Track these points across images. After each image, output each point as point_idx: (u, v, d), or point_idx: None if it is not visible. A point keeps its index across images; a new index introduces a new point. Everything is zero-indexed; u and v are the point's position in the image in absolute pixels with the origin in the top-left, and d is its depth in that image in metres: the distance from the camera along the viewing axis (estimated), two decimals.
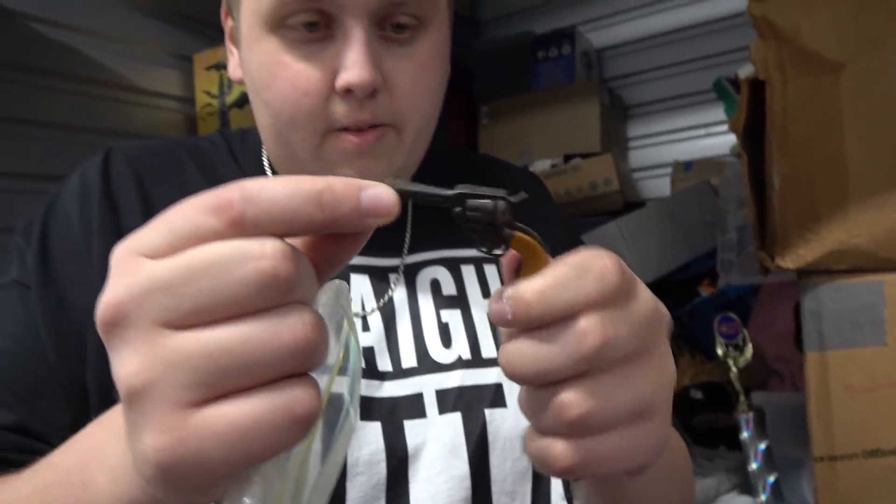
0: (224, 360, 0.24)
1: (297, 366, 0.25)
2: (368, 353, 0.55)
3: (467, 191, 0.31)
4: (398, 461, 0.52)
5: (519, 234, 0.32)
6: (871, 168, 0.66)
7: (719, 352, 1.01)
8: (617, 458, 0.30)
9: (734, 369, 0.99)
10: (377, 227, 0.60)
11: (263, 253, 0.24)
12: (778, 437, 0.93)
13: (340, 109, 0.51)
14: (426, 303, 0.59)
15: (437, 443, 0.53)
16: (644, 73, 1.95)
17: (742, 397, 0.98)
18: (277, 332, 0.24)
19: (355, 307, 0.57)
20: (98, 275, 0.53)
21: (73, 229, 0.55)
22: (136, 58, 1.46)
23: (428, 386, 0.55)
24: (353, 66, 0.49)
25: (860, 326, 0.67)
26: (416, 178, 0.66)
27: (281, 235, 0.26)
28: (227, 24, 0.60)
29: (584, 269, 0.30)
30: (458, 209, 0.31)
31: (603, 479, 0.41)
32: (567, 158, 1.77)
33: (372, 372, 0.54)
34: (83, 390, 0.52)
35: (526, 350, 0.30)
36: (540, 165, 1.82)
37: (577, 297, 0.29)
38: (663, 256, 1.51)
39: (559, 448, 0.29)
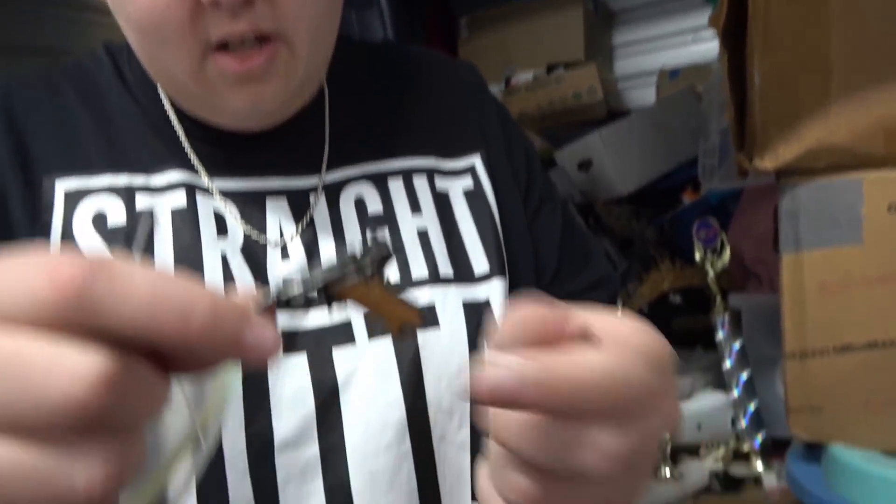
0: None
1: None
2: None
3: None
4: (328, 392, 0.50)
5: (349, 291, 0.28)
6: (857, 62, 0.64)
7: (697, 256, 1.02)
8: None
9: (711, 273, 1.00)
10: (289, 144, 0.54)
11: (77, 374, 0.20)
12: (752, 337, 0.96)
13: (213, 22, 0.43)
14: (350, 224, 0.55)
15: (368, 369, 0.51)
16: None
17: (719, 299, 1.00)
18: (55, 475, 0.20)
19: (273, 235, 0.53)
20: None
21: None
22: None
23: (356, 312, 0.52)
24: None
25: (837, 225, 0.67)
26: (336, 74, 0.59)
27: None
28: None
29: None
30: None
31: None
32: (550, 69, 1.73)
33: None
34: None
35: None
36: (522, 77, 1.77)
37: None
38: (645, 166, 1.50)
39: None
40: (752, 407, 0.94)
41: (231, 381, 0.27)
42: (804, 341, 0.71)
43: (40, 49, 1.30)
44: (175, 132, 0.54)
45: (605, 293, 0.66)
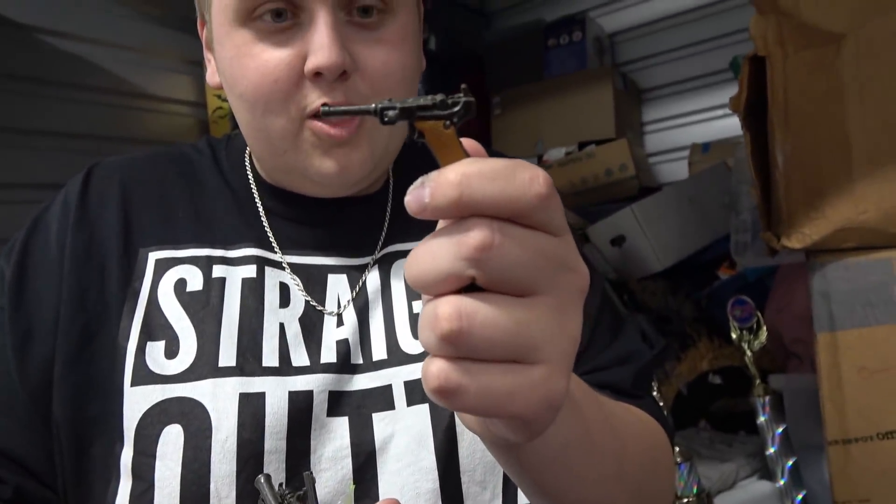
0: None
1: None
2: (343, 346, 0.55)
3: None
4: (365, 455, 0.52)
5: (429, 124, 0.29)
6: (876, 141, 0.64)
7: (733, 335, 0.99)
8: (490, 396, 0.27)
9: (748, 353, 0.97)
10: (354, 226, 0.59)
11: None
12: (796, 420, 0.91)
13: (312, 94, 0.51)
14: (399, 293, 0.59)
15: (405, 435, 0.52)
16: (658, 56, 1.91)
17: (758, 381, 0.96)
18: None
19: (331, 305, 0.57)
20: (66, 300, 0.54)
21: (49, 251, 0.56)
22: (148, 65, 1.48)
23: (397, 377, 0.54)
24: (321, 49, 0.49)
25: (871, 305, 0.65)
26: (401, 172, 0.65)
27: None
28: (203, 33, 0.60)
29: (513, 169, 0.28)
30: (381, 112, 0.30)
31: (499, 440, 0.34)
32: (582, 145, 1.76)
33: (344, 366, 0.54)
34: (47, 418, 0.52)
35: (423, 248, 0.28)
36: (554, 154, 1.80)
37: (498, 194, 0.27)
38: (682, 240, 1.49)
39: (434, 366, 0.28)
40: (799, 497, 0.89)
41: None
42: (846, 428, 0.68)
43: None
44: (258, 211, 0.61)
45: (631, 368, 0.64)
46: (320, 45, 0.49)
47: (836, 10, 0.64)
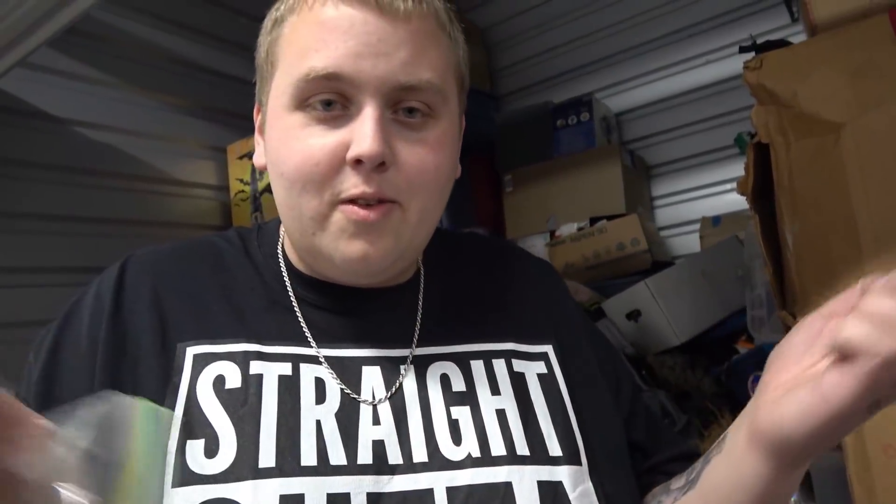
0: None
1: None
2: (379, 447, 0.55)
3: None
4: None
5: None
6: (882, 221, 0.65)
7: None
8: None
9: None
10: (385, 316, 0.62)
11: None
12: (826, 499, 0.89)
13: (349, 180, 0.54)
14: (436, 397, 0.59)
15: None
16: (664, 134, 1.97)
17: None
18: None
19: (366, 397, 0.58)
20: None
21: (81, 345, 0.57)
22: (174, 152, 1.55)
23: (439, 482, 0.54)
24: (364, 139, 0.52)
25: None
26: (432, 264, 0.68)
27: None
28: (258, 118, 0.63)
29: None
30: None
31: (804, 455, 0.47)
32: (593, 221, 1.79)
33: (381, 464, 0.54)
34: None
35: None
36: (566, 229, 1.83)
37: None
38: (697, 314, 1.49)
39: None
40: None
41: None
42: None
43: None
44: (290, 303, 0.62)
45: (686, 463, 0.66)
46: (364, 135, 0.52)
47: (832, 102, 0.67)
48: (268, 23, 0.60)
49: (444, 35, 0.58)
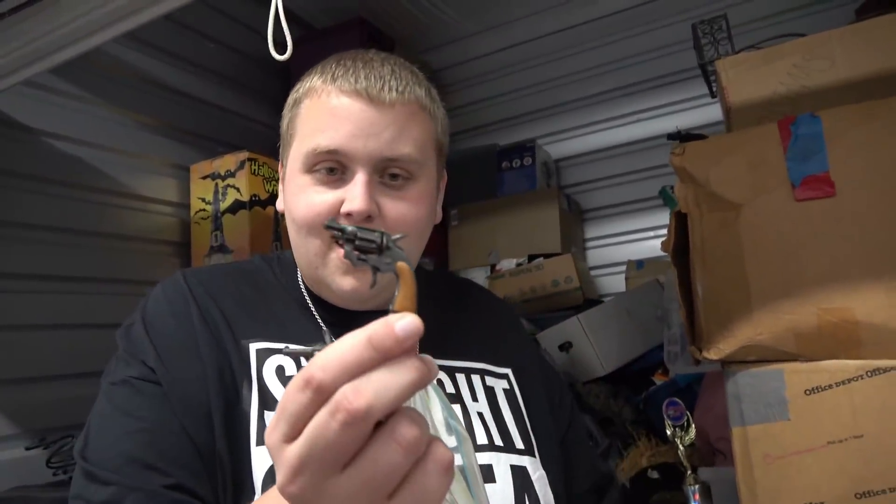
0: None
1: None
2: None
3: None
4: None
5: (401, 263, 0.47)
6: (767, 283, 0.83)
7: (668, 432, 1.13)
8: None
9: (681, 447, 1.10)
10: None
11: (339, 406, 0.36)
12: (721, 501, 1.04)
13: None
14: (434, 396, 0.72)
15: None
16: (598, 181, 2.14)
17: (690, 472, 1.09)
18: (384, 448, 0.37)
19: None
20: (212, 378, 0.66)
21: (178, 340, 0.68)
22: (137, 168, 1.59)
23: None
24: (355, 199, 0.67)
25: (769, 405, 0.81)
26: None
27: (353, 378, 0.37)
28: (281, 173, 0.77)
29: None
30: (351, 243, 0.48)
31: None
32: (531, 258, 1.94)
33: None
34: (214, 456, 0.64)
35: None
36: (506, 264, 1.97)
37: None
38: (622, 348, 1.65)
39: None
40: None
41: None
42: None
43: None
44: (315, 318, 0.76)
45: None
46: (354, 195, 0.67)
47: (735, 186, 0.85)
48: (290, 101, 0.75)
49: (424, 114, 0.73)
